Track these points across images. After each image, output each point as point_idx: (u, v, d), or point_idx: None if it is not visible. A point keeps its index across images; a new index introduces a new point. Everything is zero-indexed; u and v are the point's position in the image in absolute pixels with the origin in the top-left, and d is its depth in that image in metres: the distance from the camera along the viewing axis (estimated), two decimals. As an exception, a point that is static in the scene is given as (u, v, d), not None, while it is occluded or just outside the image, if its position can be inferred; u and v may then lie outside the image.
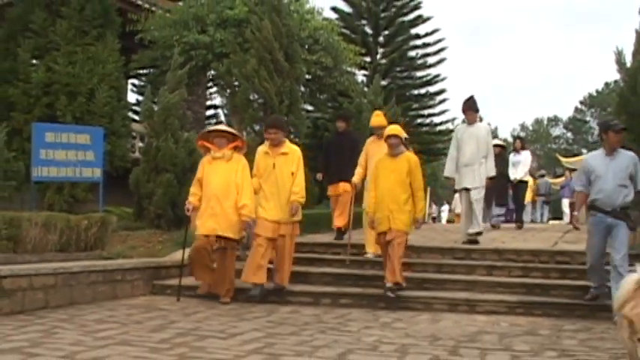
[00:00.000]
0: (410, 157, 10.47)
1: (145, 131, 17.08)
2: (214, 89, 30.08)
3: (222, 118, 25.27)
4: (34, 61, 19.09)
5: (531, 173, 22.39)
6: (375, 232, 10.72)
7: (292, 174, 10.35)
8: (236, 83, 21.39)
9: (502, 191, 16.90)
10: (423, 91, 39.95)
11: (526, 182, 18.67)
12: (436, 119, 40.49)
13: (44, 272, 8.93)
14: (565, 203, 26.42)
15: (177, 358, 5.94)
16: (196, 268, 10.35)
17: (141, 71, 27.60)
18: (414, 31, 39.59)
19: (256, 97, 19.01)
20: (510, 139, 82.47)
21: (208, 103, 32.37)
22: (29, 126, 15.50)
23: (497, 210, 17.38)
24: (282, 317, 8.76)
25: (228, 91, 22.02)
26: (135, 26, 22.48)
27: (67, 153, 13.87)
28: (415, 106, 38.79)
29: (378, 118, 12.73)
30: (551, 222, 26.39)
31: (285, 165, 10.39)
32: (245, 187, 10.16)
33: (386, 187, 10.28)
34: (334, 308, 9.74)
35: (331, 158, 13.88)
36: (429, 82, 39.89)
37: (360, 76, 35.19)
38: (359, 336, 7.49)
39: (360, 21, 39.16)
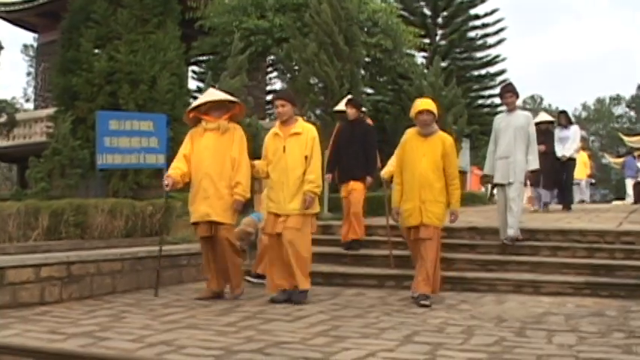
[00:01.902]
0: (445, 138, 8.82)
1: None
2: (274, 74, 30.22)
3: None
4: (97, 51, 19.27)
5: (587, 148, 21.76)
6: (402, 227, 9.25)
7: (306, 158, 8.63)
8: (296, 68, 21.46)
9: (551, 172, 15.35)
10: (483, 72, 39.54)
11: (574, 160, 17.16)
12: (497, 100, 40.07)
13: (111, 258, 9.08)
14: (629, 184, 25.83)
15: (244, 341, 5.97)
16: (203, 265, 9.12)
17: (201, 58, 27.81)
18: (472, 11, 39.14)
19: (317, 81, 19.06)
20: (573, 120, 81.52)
21: (269, 88, 32.47)
22: (93, 114, 15.69)
23: (543, 193, 16.15)
24: (346, 300, 8.76)
25: (288, 75, 22.11)
26: (194, 13, 22.64)
27: (130, 140, 13.99)
28: (476, 87, 38.44)
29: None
30: (614, 202, 25.90)
31: (298, 147, 8.66)
32: (241, 162, 8.73)
33: (417, 172, 8.62)
34: (398, 290, 9.68)
35: (340, 152, 11.74)
36: (489, 63, 39.47)
37: (420, 58, 35.00)
38: (424, 318, 7.47)
39: (419, 2, 38.85)
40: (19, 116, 25.20)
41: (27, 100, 54.25)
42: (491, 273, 10.02)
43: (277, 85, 30.68)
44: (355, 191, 11.33)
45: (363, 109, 12.36)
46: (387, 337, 6.27)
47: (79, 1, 19.89)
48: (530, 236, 11.29)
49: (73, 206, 11.39)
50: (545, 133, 14.78)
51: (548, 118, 16.53)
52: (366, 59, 23.05)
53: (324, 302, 8.51)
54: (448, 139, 8.84)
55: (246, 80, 16.54)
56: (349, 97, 12.91)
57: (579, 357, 5.57)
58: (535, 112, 56.49)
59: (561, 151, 16.03)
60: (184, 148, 8.92)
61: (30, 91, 51.40)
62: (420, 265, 8.59)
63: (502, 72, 39.65)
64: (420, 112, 8.73)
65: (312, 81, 19.26)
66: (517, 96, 11.17)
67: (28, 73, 56.69)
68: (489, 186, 11.34)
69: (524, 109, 11.51)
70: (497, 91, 39.18)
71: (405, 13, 35.07)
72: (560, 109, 17.38)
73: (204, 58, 27.53)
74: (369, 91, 27.97)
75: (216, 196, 8.59)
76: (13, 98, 52.95)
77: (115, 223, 11.81)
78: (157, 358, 5.31)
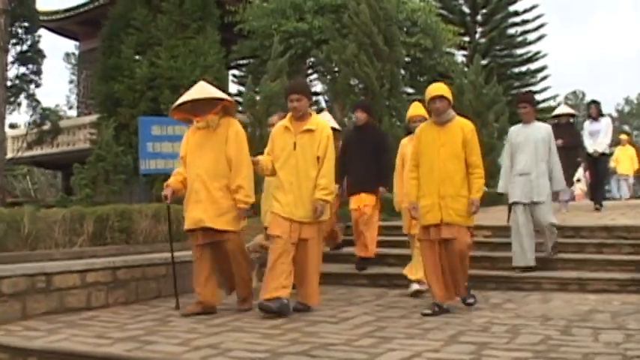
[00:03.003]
0: (464, 124, 7.91)
1: (248, 120, 17.27)
2: (315, 76, 30.22)
3: (324, 104, 25.35)
4: (137, 57, 19.47)
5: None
6: (416, 230, 8.37)
7: (318, 159, 7.75)
8: (336, 69, 21.47)
9: (569, 168, 13.08)
10: (523, 68, 39.45)
11: (609, 155, 15.96)
12: (538, 97, 39.82)
13: (157, 262, 9.12)
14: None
15: (289, 343, 5.97)
16: (194, 276, 8.01)
17: (241, 62, 27.90)
18: (512, 8, 39.03)
19: (357, 82, 19.03)
20: (615, 115, 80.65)
21: (309, 90, 32.51)
22: (135, 120, 15.82)
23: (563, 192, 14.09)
24: (391, 301, 8.72)
25: (328, 77, 22.11)
26: (233, 17, 22.72)
27: (173, 145, 14.05)
28: (517, 84, 38.29)
29: (416, 109, 9.62)
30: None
31: (310, 146, 7.76)
32: (241, 162, 7.67)
33: (435, 165, 7.73)
34: (444, 290, 9.66)
35: (349, 161, 10.63)
36: (530, 60, 39.34)
37: (460, 56, 34.89)
38: (469, 317, 7.40)
39: (458, 0, 38.74)
40: (62, 124, 25.50)
41: (70, 108, 54.79)
42: (536, 272, 9.88)
43: (318, 87, 30.66)
44: (368, 207, 10.42)
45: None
46: (432, 338, 6.23)
47: (119, 9, 20.13)
48: (574, 233, 11.18)
49: (117, 212, 11.45)
50: (565, 127, 13.98)
51: (569, 110, 15.28)
52: (406, 59, 23.01)
53: (369, 303, 8.48)
54: (467, 125, 7.91)
55: (287, 83, 16.55)
56: (359, 100, 12.30)
57: (627, 355, 5.48)
58: (577, 108, 56.01)
59: (592, 146, 14.74)
60: (182, 150, 8.02)
61: (73, 98, 51.88)
62: (448, 277, 7.75)
63: (543, 68, 39.52)
64: (433, 100, 7.85)
65: (352, 82, 19.24)
66: (534, 107, 10.27)
67: (71, 81, 57.23)
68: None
69: (567, 105, 10.39)
70: (538, 87, 39.19)
71: (444, 12, 34.99)
72: (592, 99, 15.84)
73: (245, 61, 27.65)
74: (410, 90, 27.91)
75: (208, 199, 7.57)
76: (57, 106, 53.46)
77: (159, 228, 11.84)
78: (203, 362, 5.32)
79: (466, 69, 26.37)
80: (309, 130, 7.79)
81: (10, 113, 24.43)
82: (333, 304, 8.44)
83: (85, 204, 14.31)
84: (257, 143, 15.19)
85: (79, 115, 31.37)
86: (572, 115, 15.07)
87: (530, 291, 9.34)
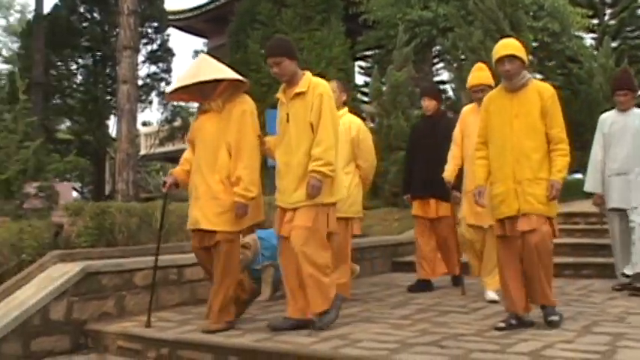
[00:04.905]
0: (542, 89, 6.30)
1: (375, 111, 17.22)
2: (441, 65, 29.94)
3: (451, 93, 25.07)
4: (263, 51, 19.66)
5: None
6: (473, 220, 7.66)
7: (311, 126, 6.22)
8: (462, 57, 21.17)
9: None
10: (656, 50, 38.11)
11: None
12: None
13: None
14: None
15: (419, 334, 5.88)
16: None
17: (367, 52, 27.86)
18: (644, -14, 37.80)
19: (484, 69, 18.73)
20: None
21: (436, 79, 32.26)
22: (264, 114, 15.97)
23: None
24: (524, 290, 8.52)
25: (454, 65, 21.80)
26: (358, 8, 22.68)
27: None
28: (650, 66, 37.05)
29: (480, 73, 8.04)
30: None
31: (302, 113, 6.25)
32: (241, 148, 6.30)
33: (508, 142, 6.20)
34: (576, 279, 9.44)
35: (415, 158, 8.95)
36: (663, 41, 38.00)
37: (589, 39, 33.96)
38: (603, 307, 7.17)
39: (584, -18, 37.79)
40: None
41: (200, 104, 56.06)
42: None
43: (444, 75, 30.37)
44: (444, 219, 8.65)
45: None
46: (565, 328, 6.04)
47: (245, 4, 20.40)
48: None
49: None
50: None
51: None
52: (534, 44, 22.50)
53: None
54: (547, 90, 6.29)
55: (413, 72, 16.46)
56: (424, 85, 10.54)
57: None
58: None
59: None
60: (189, 134, 6.85)
61: (202, 95, 53.00)
62: (533, 281, 6.15)
63: (678, 49, 38.07)
64: (501, 61, 6.25)
65: (479, 70, 18.97)
66: (634, 92, 8.59)
67: (200, 78, 58.54)
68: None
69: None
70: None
71: (571, -6, 34.15)
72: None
73: (370, 52, 27.60)
74: (538, 76, 27.26)
75: (207, 195, 6.31)
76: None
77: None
78: (331, 352, 5.29)
79: (595, 52, 25.69)
80: (300, 94, 6.33)
81: (142, 111, 25.20)
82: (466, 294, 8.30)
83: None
84: (384, 135, 15.15)
85: (208, 111, 31.89)
86: None
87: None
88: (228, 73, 6.56)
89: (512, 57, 6.19)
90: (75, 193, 23.07)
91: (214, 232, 6.25)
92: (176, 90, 6.59)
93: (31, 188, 11.48)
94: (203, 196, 6.30)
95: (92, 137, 27.53)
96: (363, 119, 22.45)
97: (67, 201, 11.57)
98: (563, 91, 23.23)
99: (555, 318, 6.07)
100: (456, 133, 8.20)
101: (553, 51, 24.37)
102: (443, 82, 32.85)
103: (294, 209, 6.18)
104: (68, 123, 31.11)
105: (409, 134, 9.65)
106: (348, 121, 7.96)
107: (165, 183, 6.73)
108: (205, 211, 6.25)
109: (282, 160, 6.33)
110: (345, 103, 8.12)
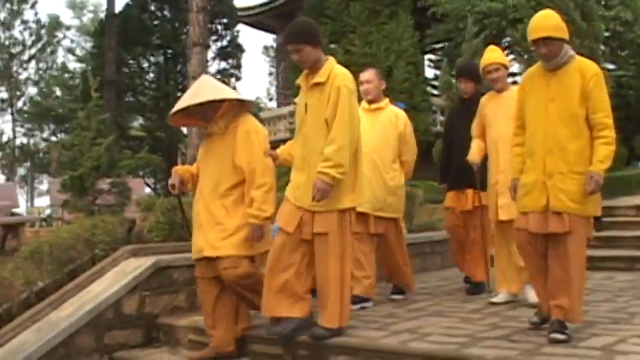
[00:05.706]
0: (585, 68, 5.43)
1: (445, 104, 17.12)
2: (511, 57, 29.64)
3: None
4: (332, 45, 19.68)
5: None
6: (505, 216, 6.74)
7: (327, 123, 5.59)
8: (532, 48, 20.96)
9: None
10: None
11: None
12: None
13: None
14: None
15: (489, 328, 5.82)
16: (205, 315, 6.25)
17: (436, 45, 27.72)
18: None
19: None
20: None
21: (506, 71, 32.00)
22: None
23: None
24: (595, 284, 8.34)
25: (525, 56, 21.53)
26: (426, 1, 22.57)
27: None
28: None
29: (490, 54, 7.38)
30: None
31: (319, 106, 5.64)
32: (253, 170, 5.87)
33: (540, 128, 5.40)
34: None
35: (452, 145, 8.15)
36: None
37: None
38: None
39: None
40: (263, 114, 26.23)
41: (270, 99, 56.37)
42: None
43: (515, 67, 30.06)
44: (478, 209, 7.72)
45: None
46: (638, 322, 5.92)
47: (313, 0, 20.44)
48: None
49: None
50: None
51: None
52: (605, 33, 22.13)
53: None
54: (591, 69, 5.40)
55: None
56: (462, 65, 9.57)
57: None
58: None
59: None
60: (197, 159, 6.49)
61: (272, 90, 53.34)
62: (562, 285, 5.34)
63: None
64: (536, 44, 5.50)
65: (550, 60, 18.72)
66: None
67: (270, 73, 58.89)
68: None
69: None
70: None
71: (645, -19, 33.49)
72: None
73: (440, 45, 27.46)
74: (611, 66, 26.86)
75: (210, 222, 5.94)
76: (257, 98, 55.27)
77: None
78: (400, 346, 5.26)
79: (669, 39, 25.19)
80: (318, 84, 5.71)
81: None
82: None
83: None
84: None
85: (278, 106, 32.11)
86: None
87: None
88: (230, 94, 6.26)
89: (549, 39, 5.42)
90: (147, 189, 23.38)
91: (219, 258, 5.86)
92: (177, 113, 6.24)
93: (104, 184, 11.64)
94: (206, 223, 5.96)
95: (164, 134, 27.93)
96: (434, 112, 22.38)
97: (139, 197, 11.70)
98: (636, 81, 22.90)
99: (561, 337, 5.18)
100: (475, 126, 7.44)
101: (625, 40, 23.90)
102: (513, 74, 32.51)
103: (312, 212, 5.61)
104: (140, 120, 31.62)
105: (445, 119, 8.72)
106: (394, 113, 7.51)
107: (174, 186, 6.26)
108: (209, 239, 5.90)
109: (299, 154, 5.76)
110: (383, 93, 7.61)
